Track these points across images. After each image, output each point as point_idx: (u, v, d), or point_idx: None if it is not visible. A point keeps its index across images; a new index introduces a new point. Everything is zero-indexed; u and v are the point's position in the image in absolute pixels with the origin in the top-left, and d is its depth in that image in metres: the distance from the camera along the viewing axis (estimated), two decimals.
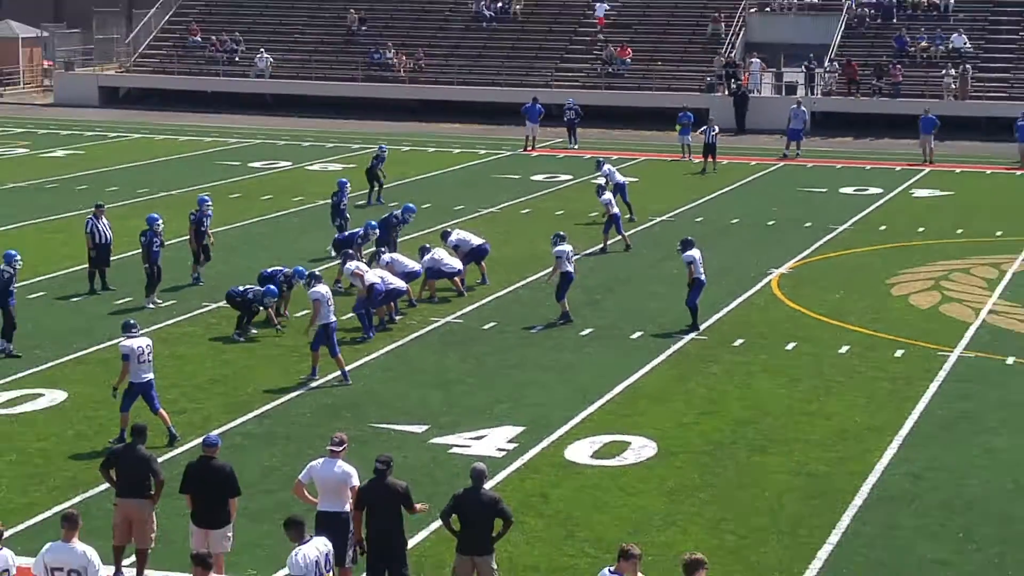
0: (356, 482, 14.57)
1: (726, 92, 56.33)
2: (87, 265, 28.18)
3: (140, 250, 27.23)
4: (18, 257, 24.31)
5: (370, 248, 28.44)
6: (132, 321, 19.89)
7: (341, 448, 14.70)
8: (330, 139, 51.89)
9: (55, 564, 12.76)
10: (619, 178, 36.30)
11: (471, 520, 14.06)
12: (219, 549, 14.80)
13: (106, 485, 15.95)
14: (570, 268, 26.03)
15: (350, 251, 26.17)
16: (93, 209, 28.70)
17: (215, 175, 43.00)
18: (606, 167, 36.78)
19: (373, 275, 24.83)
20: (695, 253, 25.37)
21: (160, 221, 27.37)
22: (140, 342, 19.34)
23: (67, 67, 66.62)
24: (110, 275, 28.31)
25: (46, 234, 33.66)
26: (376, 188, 37.93)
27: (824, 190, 41.34)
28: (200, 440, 16.10)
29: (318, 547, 12.95)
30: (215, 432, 18.54)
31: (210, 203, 29.46)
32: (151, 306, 26.65)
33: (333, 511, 14.52)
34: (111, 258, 28.30)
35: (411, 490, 14.39)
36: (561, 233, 26.90)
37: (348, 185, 33.10)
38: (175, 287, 27.76)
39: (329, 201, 33.11)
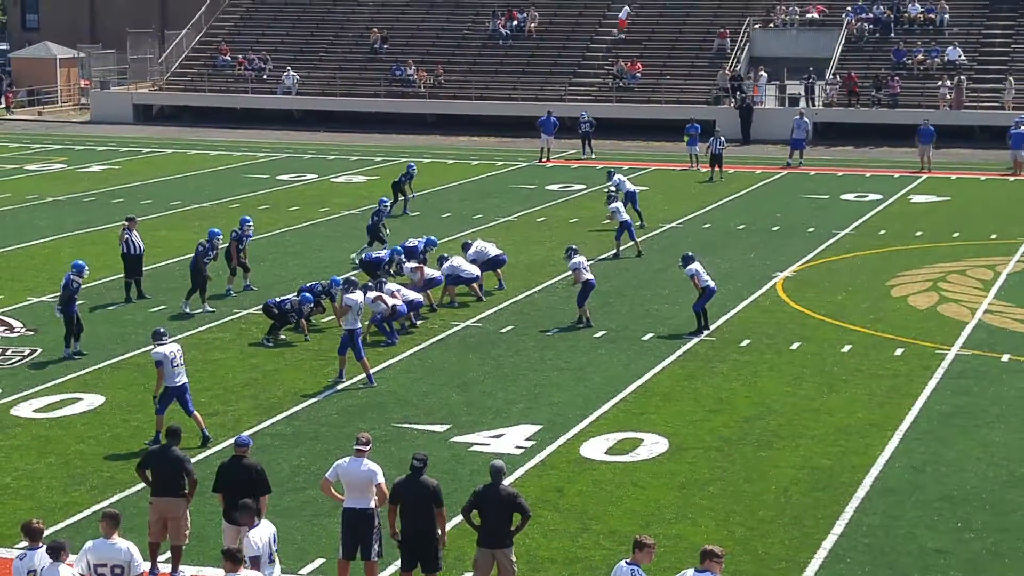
0: (381, 479, 14.59)
1: (732, 104, 56.26)
2: (123, 275, 28.20)
3: (178, 259, 27.27)
4: (87, 268, 24.46)
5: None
6: (162, 329, 19.89)
7: (367, 447, 14.72)
8: (354, 152, 51.95)
9: (98, 560, 12.78)
10: (629, 187, 36.30)
11: (491, 515, 14.07)
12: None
13: (142, 485, 15.97)
14: (590, 276, 26.03)
15: (383, 279, 25.77)
16: (125, 222, 28.70)
17: (244, 188, 43.08)
18: (616, 177, 36.76)
19: (391, 298, 24.80)
20: (696, 266, 25.41)
21: (220, 236, 27.55)
22: (170, 348, 19.38)
23: (102, 86, 66.83)
24: (145, 284, 28.36)
25: (84, 245, 33.74)
26: (402, 200, 37.92)
27: (826, 197, 41.26)
28: (232, 441, 16.11)
29: (266, 530, 13.41)
30: (246, 433, 18.61)
31: (251, 224, 29.35)
32: (211, 309, 26.69)
33: (359, 507, 14.54)
34: (143, 268, 28.28)
35: (441, 489, 14.37)
36: (573, 246, 26.90)
37: (389, 204, 33.24)
38: (211, 296, 27.74)
39: (355, 212, 33.12)
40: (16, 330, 25.65)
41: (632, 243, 32.28)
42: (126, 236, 27.93)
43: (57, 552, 12.38)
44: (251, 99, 62.63)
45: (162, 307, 27.32)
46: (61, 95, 69.58)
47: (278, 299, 25.39)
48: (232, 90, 63.35)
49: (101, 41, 72.70)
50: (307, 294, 25.20)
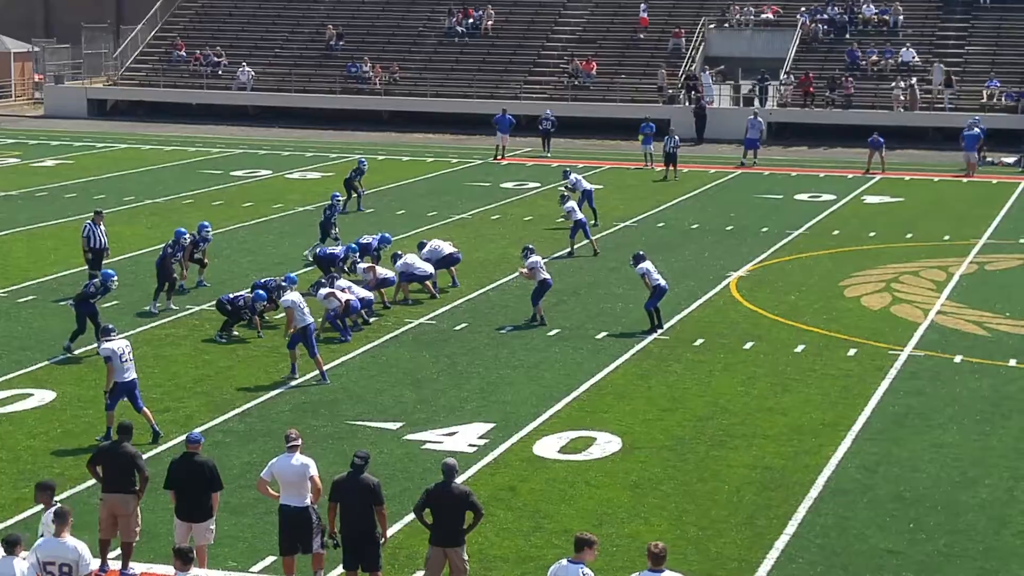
0: (314, 472, 14.47)
1: (687, 103, 56.34)
2: (86, 268, 27.85)
3: (132, 254, 27.01)
4: (115, 278, 24.09)
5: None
6: (110, 326, 19.74)
7: (298, 442, 14.63)
8: (309, 149, 51.67)
9: (47, 558, 12.61)
10: (586, 185, 36.27)
11: (443, 513, 13.96)
12: (202, 541, 14.72)
13: (93, 481, 15.77)
14: (546, 275, 25.96)
15: (335, 275, 25.73)
16: (92, 215, 28.39)
17: (199, 183, 42.76)
18: (572, 176, 36.70)
19: (343, 294, 24.68)
20: (646, 264, 25.41)
21: (186, 235, 27.43)
22: (119, 344, 19.17)
23: (57, 80, 66.21)
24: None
25: (37, 240, 33.38)
26: (355, 197, 37.73)
27: (780, 197, 41.37)
28: (184, 437, 15.90)
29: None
30: (198, 430, 18.46)
31: (210, 228, 29.11)
32: (175, 307, 26.43)
33: (295, 504, 14.43)
34: (104, 262, 27.99)
35: (381, 487, 14.23)
36: (530, 246, 26.82)
37: (341, 200, 33.11)
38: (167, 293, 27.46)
39: (309, 208, 32.92)
40: None
41: (587, 241, 32.24)
42: (90, 230, 27.57)
43: (12, 546, 12.24)
44: (206, 95, 62.18)
45: (115, 302, 27.02)
46: (15, 89, 68.88)
47: (231, 295, 25.20)
48: (187, 85, 62.90)
49: (56, 35, 72.09)
50: (260, 291, 25.01)
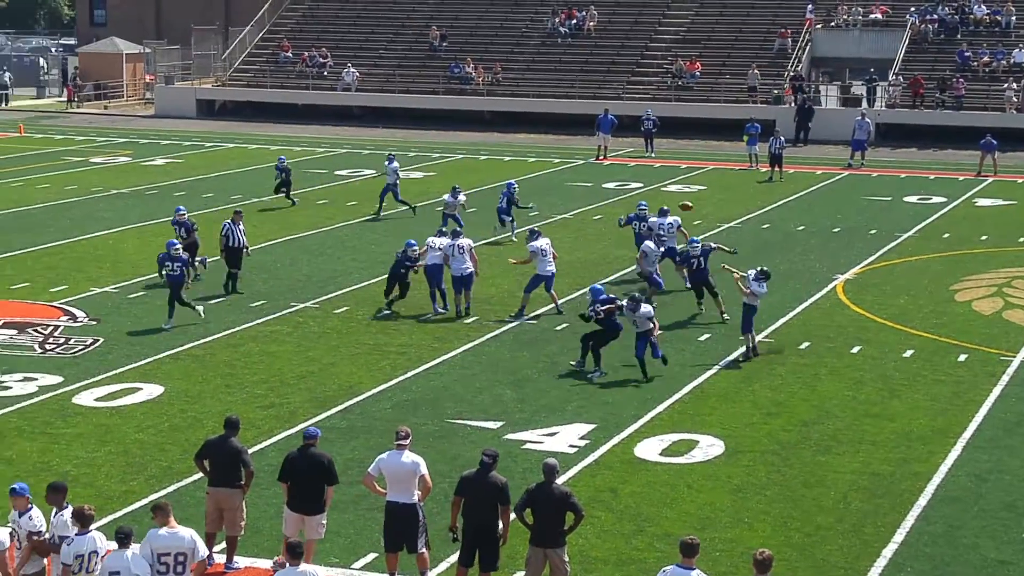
0: (424, 470, 14.47)
1: (793, 104, 55.75)
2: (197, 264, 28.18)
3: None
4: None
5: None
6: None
7: (407, 441, 14.61)
8: (412, 148, 51.90)
9: (162, 549, 12.71)
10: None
11: (544, 513, 13.88)
12: (314, 535, 14.80)
13: (199, 475, 15.90)
14: (550, 267, 26.05)
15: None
16: (232, 215, 28.58)
17: (304, 182, 43.10)
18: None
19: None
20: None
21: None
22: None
23: (167, 81, 67.22)
24: (208, 276, 28.38)
25: (147, 237, 33.84)
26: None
27: (888, 199, 40.74)
28: (292, 432, 15.89)
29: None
30: (302, 425, 18.55)
31: (183, 212, 29.40)
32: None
33: (402, 501, 14.42)
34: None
35: (508, 487, 14.15)
36: (534, 228, 27.42)
37: (515, 186, 34.07)
38: (267, 289, 27.69)
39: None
40: (79, 320, 25.72)
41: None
42: (228, 229, 27.76)
43: (126, 538, 12.42)
44: (311, 95, 62.77)
45: (222, 298, 27.28)
46: (127, 90, 70.03)
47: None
48: (293, 86, 63.52)
49: (166, 37, 73.17)
50: (410, 240, 26.35)
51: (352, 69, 62.27)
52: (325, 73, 63.44)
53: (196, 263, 28.01)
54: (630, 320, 22.38)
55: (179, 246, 25.58)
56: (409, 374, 22.39)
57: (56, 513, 13.16)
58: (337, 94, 62.49)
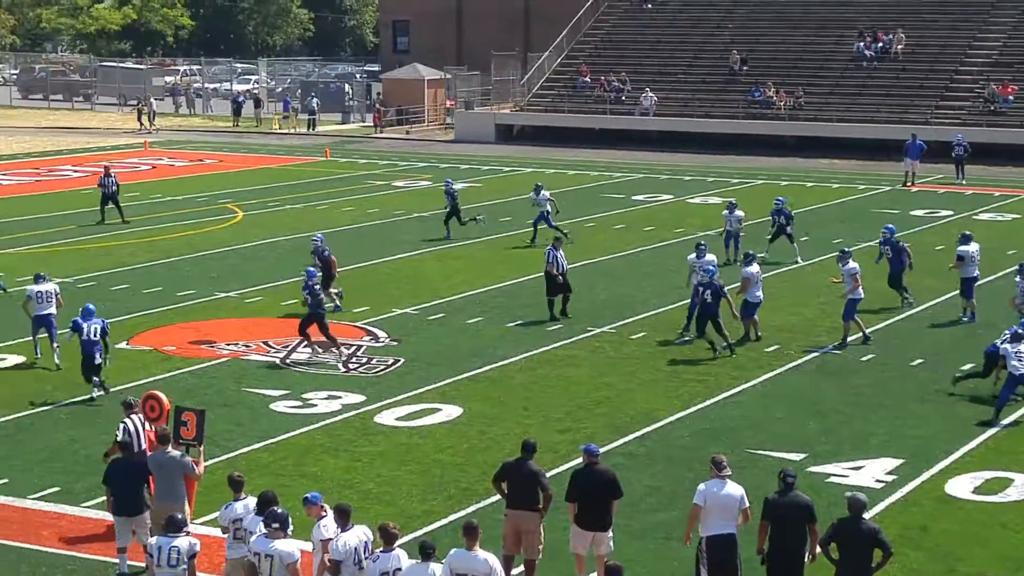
0: (747, 502, 14.35)
1: None
2: (494, 286, 28.49)
3: (529, 277, 27.64)
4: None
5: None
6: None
7: (729, 471, 14.50)
8: (711, 174, 51.67)
9: (460, 570, 12.96)
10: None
11: (850, 549, 13.56)
12: (604, 550, 14.86)
13: (497, 496, 16.14)
14: (859, 291, 25.55)
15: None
16: (552, 241, 28.67)
17: (600, 207, 43.45)
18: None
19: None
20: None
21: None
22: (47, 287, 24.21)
23: (467, 106, 68.88)
24: (497, 300, 28.82)
25: (447, 260, 34.66)
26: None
27: None
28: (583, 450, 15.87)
29: (359, 535, 13.22)
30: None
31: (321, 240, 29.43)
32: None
33: (724, 533, 14.28)
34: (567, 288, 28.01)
35: (815, 507, 14.02)
36: (846, 249, 26.64)
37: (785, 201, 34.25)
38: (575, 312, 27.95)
39: (710, 233, 32.87)
40: (381, 340, 26.51)
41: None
42: (551, 255, 27.75)
43: (429, 551, 12.79)
44: (609, 120, 63.24)
45: (518, 320, 27.71)
46: (428, 115, 72.05)
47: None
48: (590, 111, 64.14)
49: (467, 63, 74.95)
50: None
51: (650, 93, 62.49)
52: (623, 97, 63.85)
53: (332, 293, 28.22)
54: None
55: (317, 276, 25.67)
56: (708, 402, 22.23)
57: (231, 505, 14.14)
58: (634, 119, 62.79)
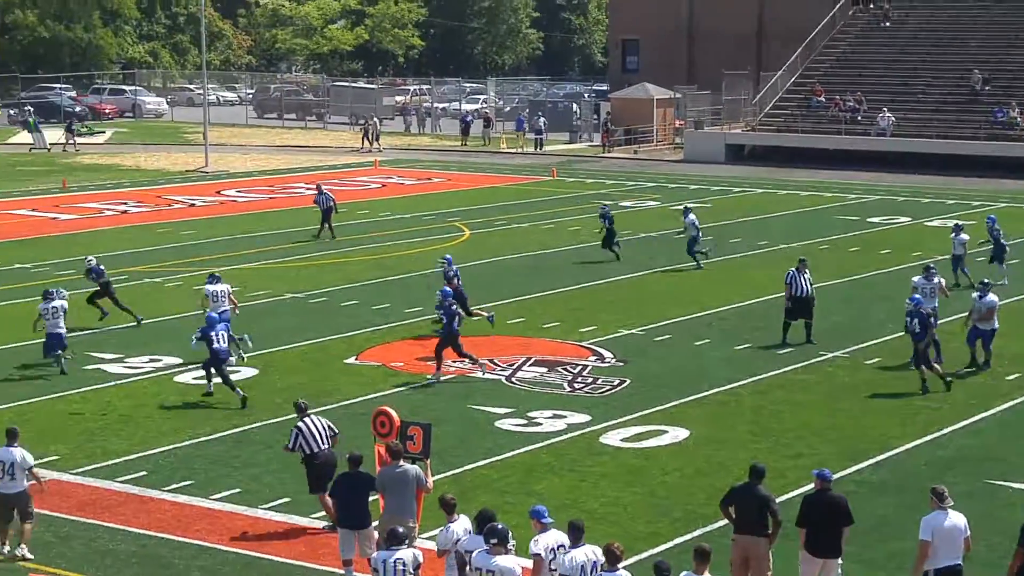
0: (968, 532, 14.06)
1: None
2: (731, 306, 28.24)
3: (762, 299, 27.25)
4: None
5: None
6: None
7: (951, 501, 14.23)
8: (950, 196, 50.28)
9: None
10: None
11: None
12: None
13: (724, 521, 15.92)
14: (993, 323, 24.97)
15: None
16: (797, 263, 28.03)
17: (834, 229, 42.67)
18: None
19: None
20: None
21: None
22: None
23: (697, 126, 68.53)
24: (732, 322, 28.48)
25: (673, 280, 34.37)
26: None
27: None
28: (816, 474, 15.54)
29: (587, 553, 13.00)
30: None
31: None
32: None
33: (951, 564, 13.96)
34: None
35: None
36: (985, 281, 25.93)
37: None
38: (796, 336, 27.49)
39: (946, 257, 32.05)
40: (607, 360, 26.48)
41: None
42: (792, 277, 27.31)
43: (664, 572, 12.73)
44: (843, 140, 62.12)
45: (746, 344, 27.37)
46: (657, 134, 71.91)
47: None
48: (824, 131, 63.11)
49: (697, 82, 74.58)
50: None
51: (888, 114, 61.19)
52: (859, 118, 62.66)
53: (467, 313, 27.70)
54: None
55: (452, 295, 25.47)
56: (945, 430, 21.57)
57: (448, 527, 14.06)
58: (871, 139, 61.55)
